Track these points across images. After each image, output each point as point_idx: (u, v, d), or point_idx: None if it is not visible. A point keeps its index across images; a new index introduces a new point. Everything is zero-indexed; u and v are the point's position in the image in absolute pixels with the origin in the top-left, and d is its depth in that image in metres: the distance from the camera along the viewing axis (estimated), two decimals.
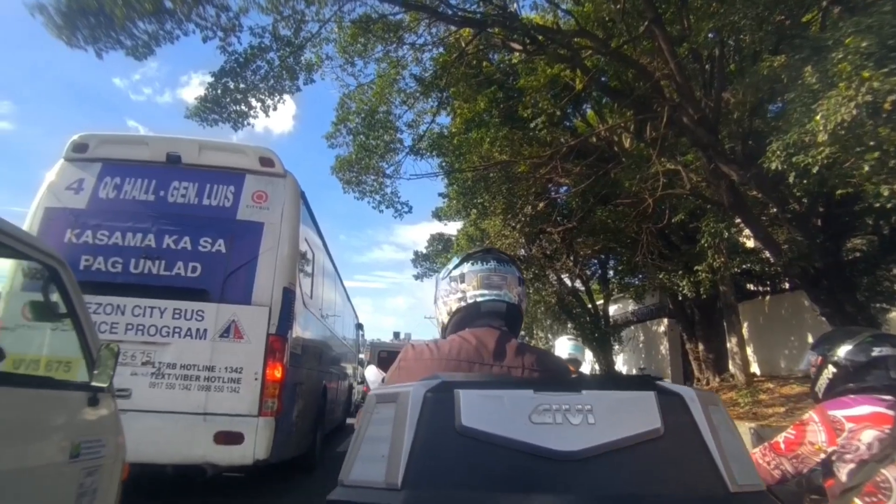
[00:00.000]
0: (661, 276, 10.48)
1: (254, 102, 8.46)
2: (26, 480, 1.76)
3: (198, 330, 4.46)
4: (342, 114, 10.45)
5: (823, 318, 9.87)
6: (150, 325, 4.41)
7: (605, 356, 16.72)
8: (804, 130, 4.33)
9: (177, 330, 4.43)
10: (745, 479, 0.88)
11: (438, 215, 18.55)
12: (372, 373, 1.85)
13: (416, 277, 21.09)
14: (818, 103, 4.31)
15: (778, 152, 4.92)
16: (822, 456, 1.85)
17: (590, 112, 13.76)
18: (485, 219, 12.43)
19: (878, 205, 7.14)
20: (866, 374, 1.93)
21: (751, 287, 13.69)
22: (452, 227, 20.27)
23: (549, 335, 19.85)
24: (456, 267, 1.57)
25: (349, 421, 13.38)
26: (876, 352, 1.96)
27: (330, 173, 10.48)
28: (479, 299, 1.49)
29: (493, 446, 0.85)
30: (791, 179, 5.21)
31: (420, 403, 0.90)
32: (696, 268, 9.04)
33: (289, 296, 4.81)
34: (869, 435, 1.77)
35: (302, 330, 5.57)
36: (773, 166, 5.09)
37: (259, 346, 4.52)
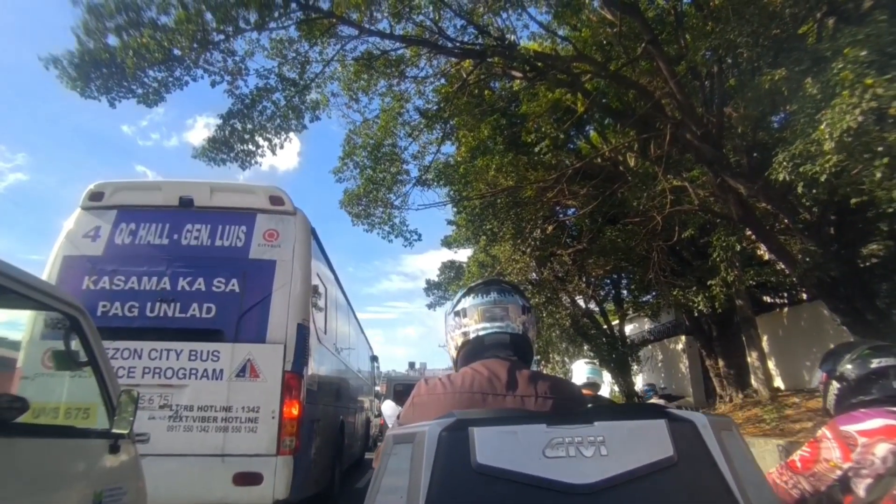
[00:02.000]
0: (675, 293, 10.37)
1: (261, 141, 8.63)
2: None
3: (214, 370, 4.47)
4: (348, 148, 10.63)
5: (844, 328, 9.71)
6: (167, 367, 4.43)
7: (623, 377, 16.44)
8: (809, 140, 4.33)
9: (193, 371, 4.44)
10: (762, 503, 0.88)
11: (448, 243, 18.61)
12: (389, 407, 1.85)
13: (430, 307, 21.10)
14: (822, 113, 4.33)
15: (784, 163, 4.92)
16: (839, 472, 1.82)
17: (593, 134, 13.88)
18: (494, 245, 12.44)
19: (891, 210, 7.11)
20: (870, 386, 1.94)
21: (767, 299, 13.48)
22: (463, 255, 20.35)
23: (566, 358, 19.61)
24: (458, 302, 1.59)
25: (367, 455, 13.23)
26: (875, 363, 1.98)
27: (339, 207, 10.60)
28: (481, 333, 1.50)
29: (509, 482, 0.86)
30: (800, 189, 5.19)
31: (436, 443, 0.91)
32: (709, 282, 8.94)
33: (303, 332, 4.82)
34: (883, 448, 1.75)
35: (317, 365, 5.56)
36: (781, 177, 5.08)
37: (275, 385, 4.52)
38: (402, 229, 10.70)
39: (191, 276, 4.75)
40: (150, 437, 4.17)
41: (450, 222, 15.96)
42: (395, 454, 0.98)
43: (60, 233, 5.03)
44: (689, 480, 0.88)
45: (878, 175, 4.61)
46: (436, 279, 20.65)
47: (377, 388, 19.75)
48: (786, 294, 12.87)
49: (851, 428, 1.84)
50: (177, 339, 4.51)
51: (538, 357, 17.51)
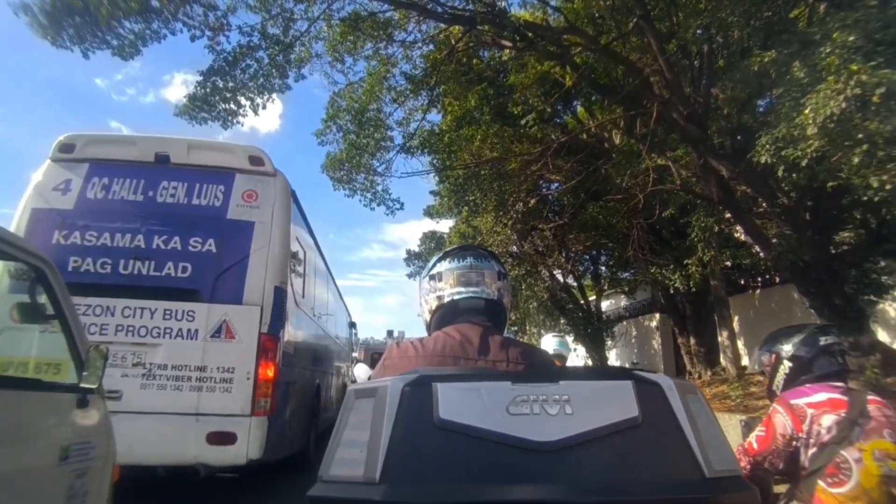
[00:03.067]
0: (652, 271, 10.53)
1: (243, 101, 8.38)
2: (15, 483, 1.74)
3: (189, 330, 4.42)
4: (332, 111, 10.38)
5: (813, 311, 9.99)
6: (141, 326, 4.38)
7: (597, 352, 16.79)
8: (793, 124, 4.36)
9: (167, 331, 4.40)
10: (721, 464, 0.90)
11: (430, 213, 18.54)
12: (361, 370, 1.90)
13: (410, 276, 21.10)
14: (807, 97, 4.34)
15: (767, 146, 4.95)
16: (794, 444, 1.96)
17: (580, 109, 13.81)
18: (476, 216, 12.42)
19: (865, 198, 7.23)
20: (818, 363, 2.10)
21: (741, 281, 13.77)
22: (444, 225, 20.33)
23: (542, 331, 19.91)
24: (433, 266, 1.58)
25: None
26: (823, 341, 2.15)
27: (320, 171, 10.41)
28: (455, 297, 1.49)
29: (471, 438, 0.86)
30: (780, 173, 5.26)
31: (398, 397, 0.90)
32: (686, 262, 9.08)
33: (280, 295, 4.79)
34: (828, 419, 1.91)
35: (294, 329, 5.55)
36: (763, 160, 5.13)
37: (251, 346, 4.50)
38: (385, 197, 10.59)
39: (166, 235, 4.66)
40: (122, 395, 4.17)
41: (432, 192, 15.89)
42: (356, 408, 0.99)
43: (29, 185, 4.87)
44: (652, 441, 0.88)
45: (856, 161, 4.68)
46: (416, 249, 20.69)
47: (355, 355, 19.88)
48: (759, 277, 13.15)
49: (801, 401, 1.98)
50: (151, 297, 4.44)
51: (515, 328, 17.75)
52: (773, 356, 2.25)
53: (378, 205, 10.57)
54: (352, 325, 15.63)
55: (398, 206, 10.70)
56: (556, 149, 10.38)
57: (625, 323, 19.38)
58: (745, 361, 12.29)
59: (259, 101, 8.46)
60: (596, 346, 16.73)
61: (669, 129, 9.01)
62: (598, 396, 0.92)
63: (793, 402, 2.00)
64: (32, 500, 1.85)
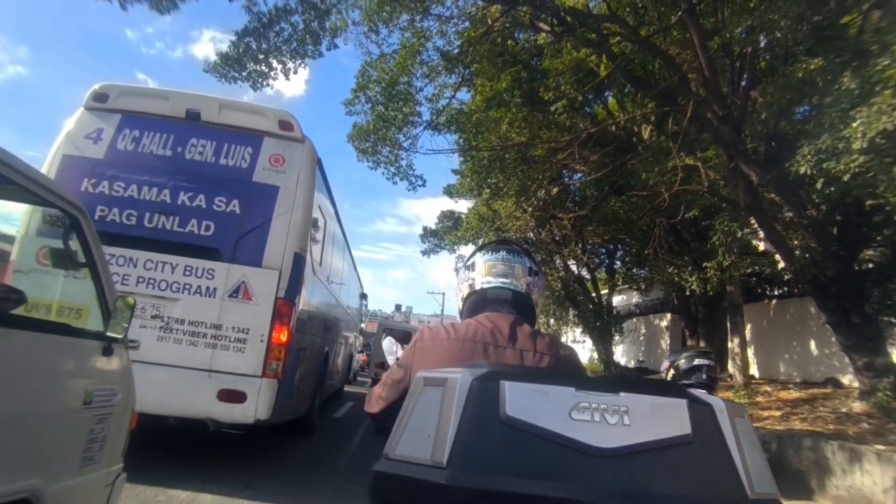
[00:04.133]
0: (669, 270, 10.43)
1: (275, 64, 8.34)
2: (41, 423, 1.79)
3: (207, 288, 4.49)
4: (362, 81, 10.28)
5: (829, 327, 9.86)
6: (161, 279, 4.45)
7: (605, 345, 16.78)
8: (839, 136, 4.23)
9: (187, 287, 4.47)
10: (763, 487, 0.95)
11: (450, 192, 18.47)
12: (389, 343, 1.98)
13: (424, 253, 21.04)
14: (857, 110, 4.20)
15: (809, 156, 4.83)
16: None
17: (612, 101, 13.57)
18: (497, 199, 12.34)
19: None
20: (691, 374, 3.00)
21: (758, 290, 13.58)
22: (463, 206, 20.28)
23: (552, 321, 19.91)
24: (470, 257, 1.68)
25: (347, 388, 13.59)
26: (697, 361, 3.07)
27: (342, 140, 10.39)
28: (484, 286, 1.56)
29: (535, 437, 0.91)
30: (819, 185, 5.12)
31: (467, 390, 0.95)
32: (705, 265, 8.96)
33: (299, 261, 4.83)
34: None
35: (309, 296, 5.61)
36: (802, 170, 5.01)
37: (267, 309, 4.56)
38: (408, 172, 10.57)
39: (192, 192, 4.70)
40: (140, 345, 4.26)
41: (455, 171, 15.77)
42: (425, 395, 1.02)
43: (61, 131, 4.92)
44: (702, 459, 0.93)
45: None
46: (433, 227, 20.59)
47: (363, 326, 20.13)
48: (777, 287, 12.97)
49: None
50: (173, 252, 4.51)
51: None
52: (668, 364, 3.19)
53: (401, 179, 10.57)
54: (363, 296, 15.75)
55: (420, 182, 10.70)
56: (584, 139, 10.23)
57: (635, 320, 19.31)
58: (752, 370, 12.23)
59: (291, 65, 8.43)
60: (603, 340, 16.71)
61: (702, 129, 8.82)
62: (654, 411, 0.96)
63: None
64: (56, 441, 1.91)
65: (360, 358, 20.24)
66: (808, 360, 11.56)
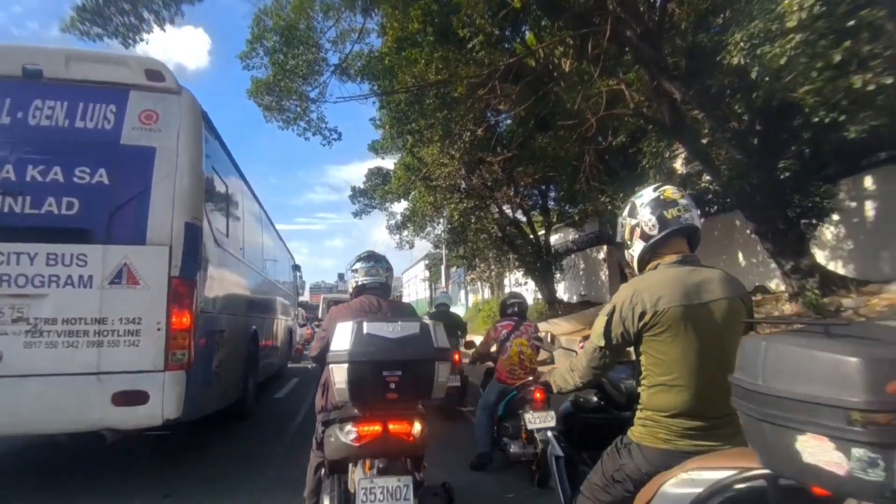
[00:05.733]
0: (602, 200, 10.32)
1: (145, 14, 7.18)
2: None
3: (81, 277, 3.76)
4: (258, 31, 9.21)
5: (756, 237, 10.13)
6: (19, 274, 3.67)
7: (546, 285, 16.90)
8: (772, 16, 3.94)
9: (53, 278, 3.71)
10: (441, 343, 2.39)
11: (375, 148, 17.65)
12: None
13: (355, 215, 20.22)
14: None
15: (741, 44, 4.54)
16: (495, 343, 4.78)
17: (529, 35, 13.06)
18: (421, 147, 11.72)
19: (816, 119, 7.10)
20: (507, 310, 4.98)
21: None
22: (390, 162, 19.54)
23: (493, 266, 19.86)
24: (354, 263, 3.11)
25: (292, 366, 12.96)
26: (510, 301, 5.06)
27: (246, 97, 9.33)
28: (364, 282, 3.05)
29: (373, 336, 2.30)
30: (753, 74, 4.86)
31: (352, 325, 2.33)
32: (637, 190, 8.85)
33: (193, 232, 4.15)
34: (501, 328, 4.81)
35: (217, 271, 4.95)
36: (735, 61, 4.74)
37: (160, 292, 3.90)
38: (321, 126, 9.70)
39: (44, 165, 3.86)
40: (2, 356, 3.53)
41: (372, 120, 14.86)
42: (340, 329, 2.36)
43: None
44: (424, 339, 2.34)
45: (817, 80, 4.38)
46: (362, 186, 19.72)
47: (303, 298, 19.29)
48: (702, 207, 13.25)
49: (499, 325, 4.88)
50: (28, 239, 3.70)
51: (465, 262, 17.62)
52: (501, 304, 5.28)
53: (313, 134, 9.69)
54: (295, 267, 14.93)
55: (335, 135, 9.88)
56: (504, 72, 9.72)
57: (573, 256, 19.55)
58: None
59: (165, 13, 7.27)
60: (545, 280, 16.82)
61: (622, 49, 8.54)
62: (408, 325, 2.36)
63: (498, 325, 4.91)
64: None
65: (303, 332, 19.49)
66: (738, 272, 11.96)
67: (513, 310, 4.91)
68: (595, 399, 2.73)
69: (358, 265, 3.08)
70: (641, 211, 1.85)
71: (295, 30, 8.87)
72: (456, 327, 7.10)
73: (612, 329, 1.74)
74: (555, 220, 18.44)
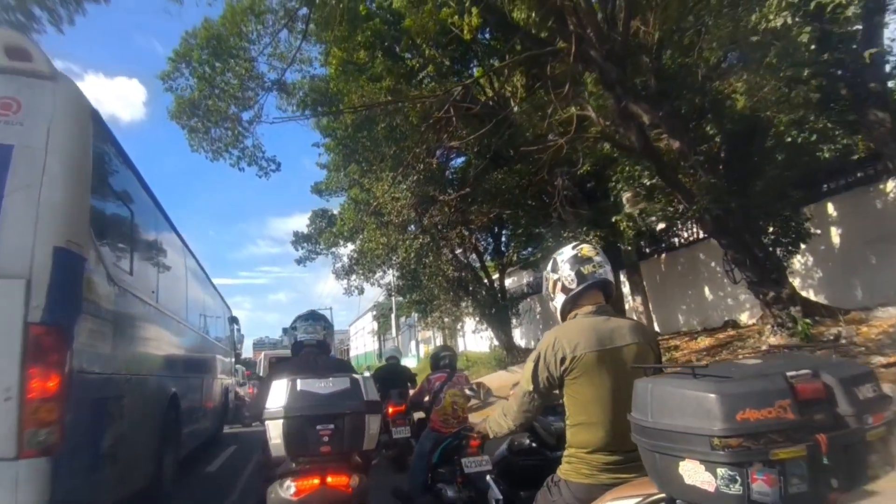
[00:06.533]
0: (565, 235, 9.71)
1: (37, 12, 6.02)
2: None
3: None
4: (183, 49, 8.15)
5: (724, 269, 9.72)
6: None
7: (503, 331, 16.05)
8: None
9: None
10: (372, 396, 2.60)
11: (319, 190, 16.61)
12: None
13: (299, 262, 18.77)
14: None
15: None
16: (426, 389, 5.31)
17: (478, 70, 12.71)
18: (370, 176, 10.74)
19: (789, 138, 6.76)
20: (439, 362, 5.41)
21: (644, 249, 13.54)
22: (335, 203, 18.47)
23: (444, 316, 18.86)
24: (293, 323, 3.44)
25: (229, 431, 11.29)
26: (441, 354, 5.60)
27: (168, 118, 8.16)
28: (303, 338, 3.33)
29: (306, 392, 2.46)
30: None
31: (287, 383, 2.49)
32: (615, 218, 8.25)
33: (68, 261, 3.01)
34: (438, 382, 5.18)
35: (113, 318, 3.74)
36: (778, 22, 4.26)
37: (11, 345, 2.72)
38: (257, 155, 8.63)
39: None
40: None
41: (316, 145, 13.67)
42: (276, 387, 2.52)
43: None
44: (353, 392, 2.52)
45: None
46: (306, 231, 18.43)
47: (248, 356, 17.49)
48: (663, 242, 12.98)
49: (433, 376, 5.29)
50: None
51: (423, 307, 16.56)
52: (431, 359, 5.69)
53: (248, 164, 8.59)
54: (233, 320, 13.40)
55: (273, 166, 8.81)
56: (457, 105, 9.10)
57: (528, 300, 18.88)
58: (654, 327, 12.02)
59: (62, 12, 6.13)
60: (502, 325, 15.97)
61: (579, 75, 8.09)
62: (339, 380, 2.53)
63: (431, 377, 5.27)
64: None
65: (245, 391, 17.48)
66: (706, 307, 11.56)
67: (444, 362, 5.31)
68: (528, 442, 2.92)
69: (297, 323, 3.34)
70: (562, 266, 2.01)
71: (224, 42, 7.86)
72: (406, 380, 7.18)
73: (539, 374, 1.89)
74: (510, 261, 17.85)
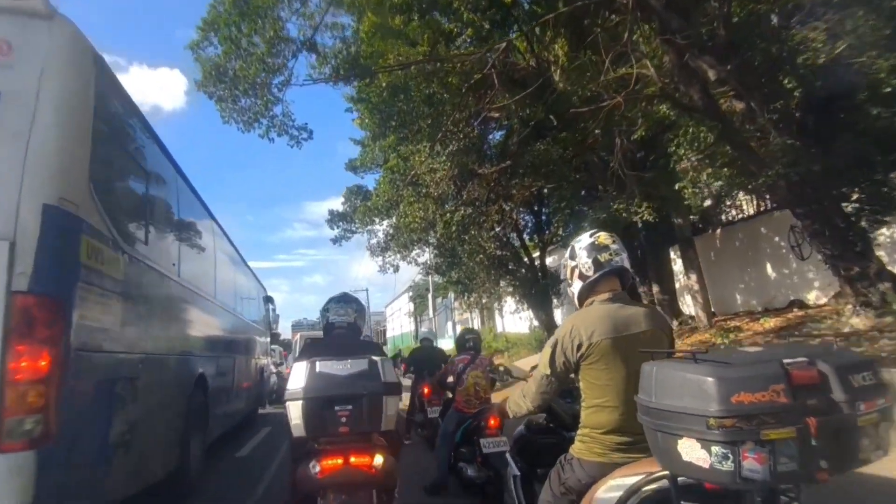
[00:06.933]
0: (614, 207, 8.97)
1: None
2: None
3: None
4: (211, 16, 7.69)
5: (784, 246, 8.85)
6: None
7: (545, 311, 15.42)
8: None
9: None
10: (390, 378, 2.63)
11: (353, 167, 16.21)
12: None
13: (334, 241, 18.43)
14: None
15: None
16: (450, 372, 5.13)
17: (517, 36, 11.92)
18: (407, 144, 10.17)
19: (889, 88, 5.87)
20: (465, 344, 5.29)
21: (698, 224, 12.62)
22: (371, 181, 18.05)
23: (484, 298, 18.33)
24: (326, 305, 3.24)
25: (264, 412, 11.16)
26: (466, 336, 5.41)
27: (196, 89, 7.78)
28: (334, 320, 3.16)
29: (325, 374, 2.51)
30: None
31: (307, 364, 2.55)
32: (678, 185, 7.45)
33: (60, 221, 2.60)
34: (461, 364, 4.92)
35: (120, 289, 3.35)
36: None
37: None
38: (288, 124, 8.17)
39: None
40: None
41: (350, 110, 13.00)
42: (297, 367, 2.63)
43: None
44: (372, 374, 2.52)
45: None
46: (341, 209, 18.05)
47: (285, 337, 17.50)
48: (721, 214, 12.05)
49: (457, 359, 5.12)
50: None
51: (460, 288, 16.10)
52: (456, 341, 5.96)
53: (278, 134, 8.16)
54: (268, 299, 13.25)
55: (305, 134, 8.33)
56: (497, 74, 8.40)
57: None
58: (712, 308, 11.17)
59: None
60: (543, 305, 15.34)
61: (646, 19, 7.27)
62: (357, 362, 2.56)
63: (456, 359, 5.14)
64: None
65: (283, 370, 17.52)
66: (767, 286, 10.66)
67: (469, 345, 5.29)
68: (545, 422, 2.96)
69: (330, 305, 3.23)
70: (580, 254, 2.08)
71: (252, 2, 7.35)
72: (441, 361, 7.13)
73: (556, 359, 1.98)
74: (551, 239, 17.10)
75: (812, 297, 9.60)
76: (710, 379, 1.25)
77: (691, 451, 1.25)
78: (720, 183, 7.41)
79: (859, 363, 1.34)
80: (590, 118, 7.32)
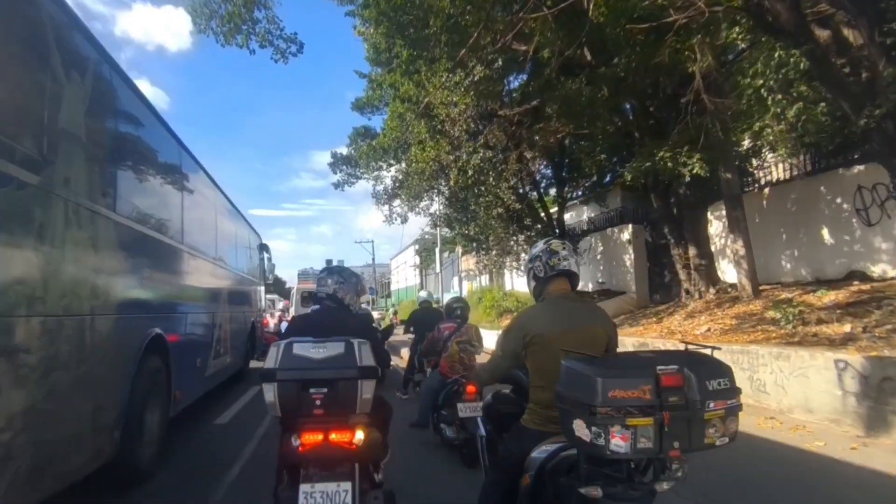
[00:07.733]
0: (659, 156, 7.71)
1: None
2: None
3: None
4: None
5: (846, 208, 7.64)
6: None
7: None
8: None
9: None
10: (366, 362, 2.43)
11: (359, 106, 14.80)
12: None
13: (337, 186, 17.15)
14: None
15: None
16: (437, 339, 5.59)
17: None
18: (422, 64, 8.73)
19: None
20: (452, 313, 5.80)
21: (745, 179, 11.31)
22: (379, 121, 16.59)
23: (494, 255, 17.26)
24: (319, 274, 3.25)
25: (254, 365, 10.28)
26: (454, 305, 5.92)
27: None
28: (317, 291, 3.16)
29: (298, 356, 2.37)
30: None
31: (282, 345, 2.43)
32: (758, 124, 6.16)
33: None
34: (447, 332, 5.42)
35: (59, 241, 2.27)
36: None
37: None
38: (274, 33, 6.78)
39: None
40: None
41: (351, 14, 11.09)
42: (275, 345, 2.50)
43: None
44: (347, 356, 2.39)
45: None
46: (345, 152, 16.62)
47: (291, 286, 16.57)
48: (769, 170, 10.73)
49: (443, 326, 5.58)
50: None
51: (473, 244, 15.03)
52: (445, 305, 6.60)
53: (261, 45, 6.80)
54: (262, 247, 12.20)
55: (294, 47, 6.96)
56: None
57: (590, 238, 16.95)
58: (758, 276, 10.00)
59: None
60: None
61: None
62: (335, 344, 2.42)
63: (441, 326, 5.59)
64: None
65: (274, 322, 16.61)
66: (820, 253, 9.45)
67: (456, 313, 5.68)
68: (509, 392, 3.17)
69: (320, 276, 3.24)
70: (535, 258, 2.38)
71: None
72: (439, 321, 6.71)
73: (507, 345, 2.33)
74: (569, 195, 15.83)
75: (878, 269, 8.42)
76: (597, 378, 1.55)
77: (580, 429, 1.58)
78: (811, 124, 6.05)
79: (717, 371, 1.63)
80: (632, 52, 5.91)
